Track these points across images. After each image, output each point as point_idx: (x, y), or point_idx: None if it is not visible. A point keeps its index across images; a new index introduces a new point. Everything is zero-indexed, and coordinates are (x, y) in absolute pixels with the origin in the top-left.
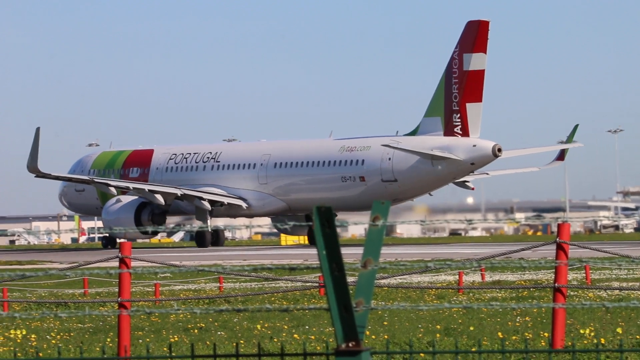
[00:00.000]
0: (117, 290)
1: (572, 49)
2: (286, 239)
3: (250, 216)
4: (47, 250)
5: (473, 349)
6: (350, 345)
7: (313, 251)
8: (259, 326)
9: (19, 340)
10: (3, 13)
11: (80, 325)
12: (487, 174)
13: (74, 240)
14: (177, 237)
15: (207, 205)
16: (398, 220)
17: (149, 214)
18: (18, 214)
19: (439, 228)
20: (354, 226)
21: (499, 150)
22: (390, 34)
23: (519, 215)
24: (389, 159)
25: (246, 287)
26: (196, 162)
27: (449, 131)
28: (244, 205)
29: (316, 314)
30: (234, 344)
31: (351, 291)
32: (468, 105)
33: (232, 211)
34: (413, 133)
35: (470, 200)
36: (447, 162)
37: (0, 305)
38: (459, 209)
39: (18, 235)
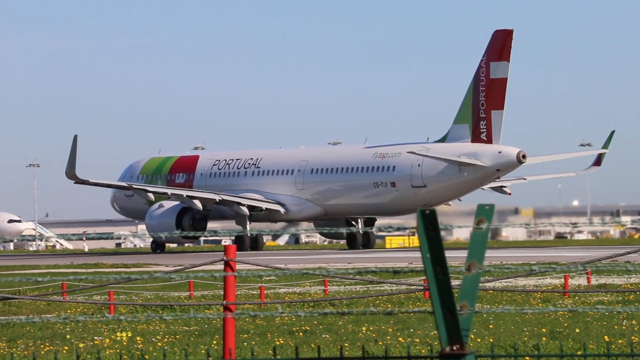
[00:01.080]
0: (222, 293)
1: (590, 56)
2: (391, 242)
3: (289, 221)
4: (152, 253)
5: (578, 352)
6: (454, 348)
7: (418, 254)
8: (364, 329)
9: (125, 343)
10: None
11: (185, 327)
12: (525, 179)
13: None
14: (282, 240)
15: (246, 210)
16: (503, 224)
17: (190, 218)
18: (124, 217)
19: (545, 231)
20: (458, 229)
21: (524, 156)
22: (425, 41)
23: (625, 219)
24: (419, 165)
25: (351, 290)
26: (238, 168)
27: (476, 138)
28: (282, 210)
29: (421, 317)
30: (339, 346)
31: (456, 294)
32: (492, 112)
33: (272, 216)
34: (443, 140)
35: (575, 203)
36: (474, 169)
37: (107, 308)
38: (565, 212)
39: (124, 238)
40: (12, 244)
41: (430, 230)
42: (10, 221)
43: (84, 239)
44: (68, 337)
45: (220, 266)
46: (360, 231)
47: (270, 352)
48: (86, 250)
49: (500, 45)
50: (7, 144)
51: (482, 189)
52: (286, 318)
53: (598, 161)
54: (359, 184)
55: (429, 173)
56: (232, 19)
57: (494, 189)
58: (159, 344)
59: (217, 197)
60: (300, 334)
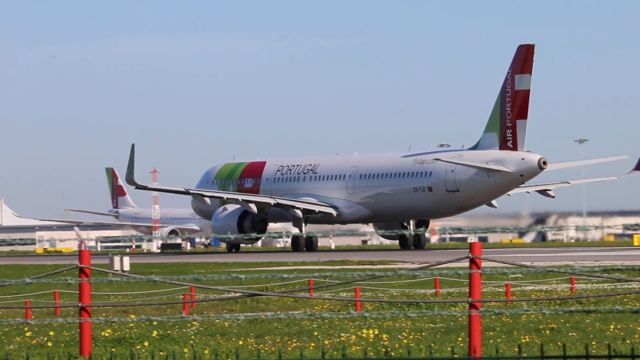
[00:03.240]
0: (467, 290)
1: (607, 67)
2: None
3: (342, 223)
4: (396, 250)
5: None
6: None
7: None
8: (611, 327)
9: (371, 340)
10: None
11: (432, 325)
12: (568, 182)
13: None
14: (528, 238)
15: (300, 213)
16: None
17: (250, 221)
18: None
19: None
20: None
21: (544, 163)
22: (467, 56)
23: None
24: (452, 171)
25: (598, 288)
26: (297, 174)
27: (503, 145)
28: (334, 213)
29: None
30: (585, 344)
31: None
32: (517, 121)
33: (326, 218)
34: (475, 147)
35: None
36: (500, 174)
37: (353, 305)
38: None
39: (370, 236)
40: (259, 241)
41: None
42: None
43: (331, 235)
44: (315, 333)
45: (466, 264)
46: (412, 232)
47: (515, 349)
48: (332, 247)
49: (523, 58)
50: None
51: (527, 192)
52: (532, 316)
53: (638, 166)
54: (401, 188)
55: (461, 178)
56: (304, 26)
57: (539, 192)
58: (405, 341)
59: (272, 201)
60: (547, 331)
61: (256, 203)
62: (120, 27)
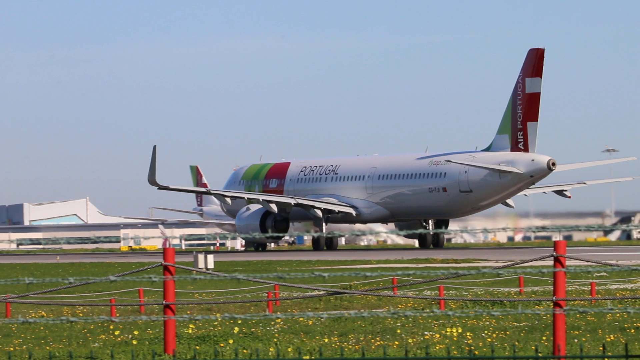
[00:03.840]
0: (552, 289)
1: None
2: None
3: (362, 222)
4: (483, 248)
5: None
6: None
7: None
8: None
9: (455, 338)
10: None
11: (515, 323)
12: (585, 183)
13: (510, 238)
14: (613, 236)
15: (319, 213)
16: None
17: (272, 220)
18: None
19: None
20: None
21: (553, 164)
22: (483, 58)
23: None
24: (465, 172)
25: None
26: (320, 174)
27: (514, 147)
28: (354, 212)
29: None
30: None
31: None
32: (528, 123)
33: (346, 218)
34: (488, 149)
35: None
36: (511, 175)
37: (437, 303)
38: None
39: (454, 234)
40: (343, 238)
41: None
42: None
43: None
44: (398, 331)
45: (550, 262)
46: (431, 232)
47: (600, 348)
48: (416, 245)
49: (533, 62)
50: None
51: (544, 192)
52: (617, 315)
53: None
54: (417, 189)
55: (475, 179)
56: (319, 27)
57: (556, 192)
58: (488, 339)
59: (292, 201)
60: (632, 330)
61: (277, 203)
62: (151, 27)
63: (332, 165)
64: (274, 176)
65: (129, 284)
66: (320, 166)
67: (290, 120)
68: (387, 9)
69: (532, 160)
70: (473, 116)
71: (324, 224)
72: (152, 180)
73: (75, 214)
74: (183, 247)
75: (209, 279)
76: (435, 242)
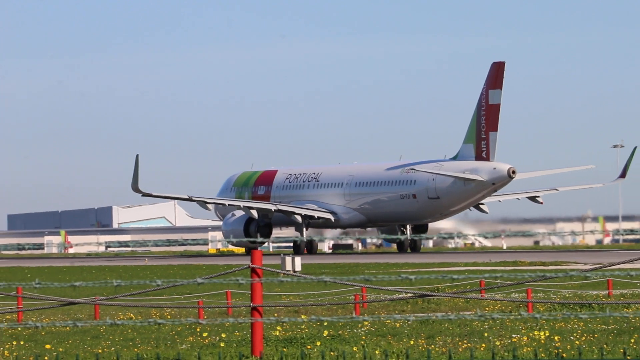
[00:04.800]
0: None
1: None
2: None
3: (341, 227)
4: (572, 251)
5: None
6: None
7: None
8: None
9: (542, 341)
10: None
11: (604, 326)
12: (557, 189)
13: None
14: None
15: (299, 219)
16: None
17: (255, 225)
18: (543, 216)
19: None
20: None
21: (513, 172)
22: (457, 71)
23: None
24: (433, 179)
25: None
26: (303, 182)
27: (478, 156)
28: (332, 218)
29: None
30: None
31: None
32: (490, 133)
33: (326, 223)
34: (455, 157)
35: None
36: (475, 183)
37: (524, 306)
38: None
39: (542, 236)
40: (431, 241)
41: None
42: None
43: (502, 236)
44: (485, 334)
45: (637, 265)
46: (408, 237)
47: None
48: (504, 247)
49: (495, 75)
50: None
51: (517, 198)
52: None
53: (623, 173)
54: (390, 195)
55: (441, 186)
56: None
57: (529, 198)
58: (576, 342)
59: (273, 207)
60: None
61: (257, 209)
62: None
63: (314, 173)
64: (262, 183)
65: (217, 287)
66: (304, 174)
67: (284, 129)
68: (368, 19)
69: (494, 168)
70: (448, 125)
71: (304, 229)
72: (135, 188)
73: (164, 217)
74: (271, 249)
75: (296, 282)
76: (412, 248)
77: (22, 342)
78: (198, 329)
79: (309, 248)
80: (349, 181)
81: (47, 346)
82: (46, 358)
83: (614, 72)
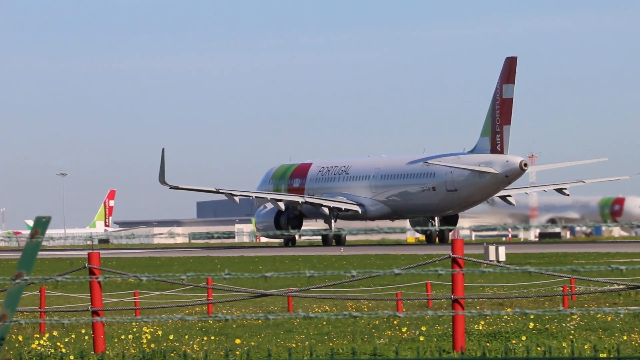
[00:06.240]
0: None
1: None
2: None
3: (369, 219)
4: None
5: None
6: None
7: None
8: None
9: None
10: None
11: None
12: (584, 182)
13: None
14: None
15: (326, 211)
16: None
17: (285, 217)
18: None
19: None
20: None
21: (525, 165)
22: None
23: None
24: (451, 172)
25: None
26: (334, 174)
27: (493, 149)
28: (360, 210)
29: None
30: None
31: None
32: (504, 127)
33: (355, 215)
34: (472, 150)
35: None
36: (490, 175)
37: None
38: None
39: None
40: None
41: None
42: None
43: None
44: None
45: None
46: (437, 229)
47: None
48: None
49: (508, 69)
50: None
51: (544, 190)
52: None
53: None
54: (412, 188)
55: (459, 179)
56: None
57: (557, 190)
58: None
59: (301, 200)
60: None
61: (285, 202)
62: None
63: (344, 166)
64: (297, 176)
65: (416, 277)
66: (335, 166)
67: (318, 123)
68: (389, 20)
69: (507, 161)
70: (471, 118)
71: (333, 221)
72: (161, 180)
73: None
74: (473, 238)
75: (499, 272)
76: (441, 239)
77: (212, 337)
78: (395, 322)
79: (337, 240)
80: (375, 174)
81: (238, 340)
82: (237, 353)
83: (614, 71)
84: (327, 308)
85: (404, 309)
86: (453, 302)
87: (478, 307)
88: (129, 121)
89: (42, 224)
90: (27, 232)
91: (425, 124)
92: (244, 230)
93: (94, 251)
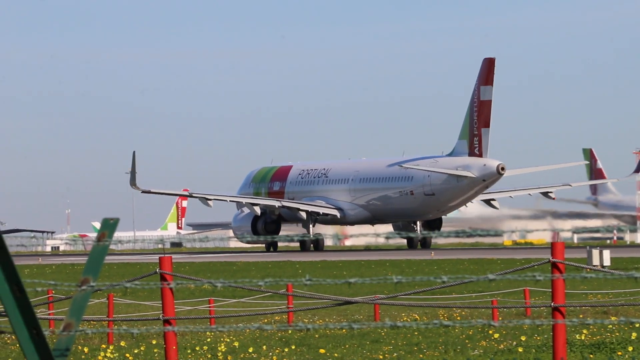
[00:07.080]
0: None
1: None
2: None
3: (348, 224)
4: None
5: None
6: None
7: None
8: None
9: None
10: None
11: None
12: (570, 185)
13: None
14: None
15: (304, 215)
16: None
17: (263, 222)
18: None
19: None
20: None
21: (502, 168)
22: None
23: None
24: (429, 176)
25: None
26: (314, 177)
27: (471, 152)
28: (338, 214)
29: None
30: None
31: None
32: (482, 129)
33: (334, 219)
34: (450, 154)
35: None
36: (467, 179)
37: None
38: None
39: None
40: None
41: None
42: None
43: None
44: None
45: None
46: (419, 234)
47: None
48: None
49: (486, 71)
50: None
51: (529, 194)
52: None
53: (638, 168)
54: (390, 192)
55: (436, 183)
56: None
57: (543, 194)
58: None
59: (277, 204)
60: None
61: (261, 206)
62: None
63: (324, 169)
64: (277, 179)
65: (513, 284)
66: (315, 169)
67: (300, 124)
68: (375, 19)
69: (484, 165)
70: (453, 120)
71: (311, 225)
72: (132, 184)
73: None
74: (575, 241)
75: (603, 278)
76: (422, 244)
77: (293, 347)
78: (491, 332)
79: (316, 245)
80: (354, 177)
81: (322, 351)
82: None
83: (609, 71)
84: (417, 317)
85: (500, 318)
86: (553, 310)
87: (580, 316)
88: (204, 120)
89: (109, 226)
90: (93, 235)
91: (406, 126)
92: (327, 233)
93: (166, 255)
